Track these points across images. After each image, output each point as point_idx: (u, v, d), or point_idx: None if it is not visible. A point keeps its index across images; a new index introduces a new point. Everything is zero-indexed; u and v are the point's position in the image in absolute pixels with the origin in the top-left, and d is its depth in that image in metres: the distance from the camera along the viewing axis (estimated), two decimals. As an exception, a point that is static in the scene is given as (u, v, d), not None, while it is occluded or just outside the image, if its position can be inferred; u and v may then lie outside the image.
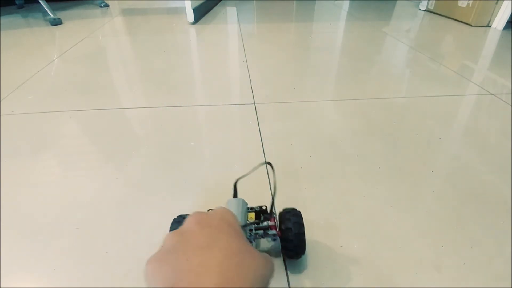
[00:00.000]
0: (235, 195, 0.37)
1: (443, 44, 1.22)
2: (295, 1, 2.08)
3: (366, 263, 0.38)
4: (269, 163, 0.36)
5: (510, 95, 0.79)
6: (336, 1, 2.10)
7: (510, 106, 0.74)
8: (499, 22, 1.38)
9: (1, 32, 1.38)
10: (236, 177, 0.37)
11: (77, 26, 1.48)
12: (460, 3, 1.49)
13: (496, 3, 1.37)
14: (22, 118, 0.70)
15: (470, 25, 1.44)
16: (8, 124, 0.68)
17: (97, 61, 1.05)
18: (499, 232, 0.42)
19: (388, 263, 0.38)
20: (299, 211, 0.37)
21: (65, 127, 0.67)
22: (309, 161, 0.55)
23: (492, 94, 0.80)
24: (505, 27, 1.37)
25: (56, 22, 1.48)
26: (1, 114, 0.72)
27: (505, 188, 0.49)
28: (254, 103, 0.75)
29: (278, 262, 0.38)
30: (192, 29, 1.41)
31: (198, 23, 1.51)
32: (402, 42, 1.24)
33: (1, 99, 0.78)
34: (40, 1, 1.52)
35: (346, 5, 1.99)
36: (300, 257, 0.37)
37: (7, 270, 0.37)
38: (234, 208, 0.33)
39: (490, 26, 1.42)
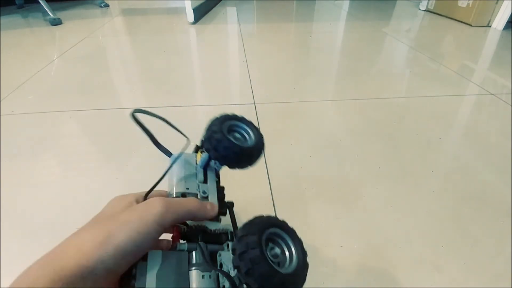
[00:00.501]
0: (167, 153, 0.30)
1: (443, 44, 1.22)
2: (295, 1, 2.08)
3: (366, 263, 0.38)
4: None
5: (510, 95, 0.79)
6: (336, 1, 2.10)
7: (510, 106, 0.74)
8: (499, 22, 1.38)
9: (1, 32, 1.38)
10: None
11: (77, 26, 1.48)
12: (460, 3, 1.48)
13: (496, 3, 1.37)
14: (22, 118, 0.70)
15: (470, 25, 1.44)
16: (8, 124, 0.68)
17: (97, 61, 1.05)
18: (499, 232, 0.42)
19: (388, 263, 0.38)
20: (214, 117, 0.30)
21: (65, 127, 0.67)
22: (309, 161, 0.55)
23: (492, 94, 0.80)
24: (505, 27, 1.37)
25: (56, 22, 1.48)
26: (1, 114, 0.72)
27: (505, 188, 0.49)
28: (254, 103, 0.75)
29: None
30: (192, 29, 1.41)
31: (198, 23, 1.51)
32: (402, 42, 1.24)
33: (1, 99, 0.78)
34: (40, 1, 1.52)
35: (346, 5, 1.99)
36: (250, 164, 0.29)
37: (7, 270, 0.37)
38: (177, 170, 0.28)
39: (490, 26, 1.42)
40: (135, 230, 0.19)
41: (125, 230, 0.19)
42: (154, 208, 0.20)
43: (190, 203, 0.23)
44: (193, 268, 0.20)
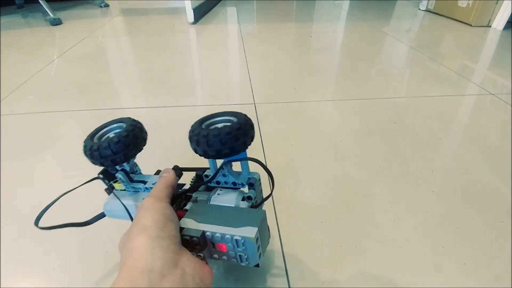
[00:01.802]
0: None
1: (443, 44, 1.22)
2: (295, 1, 2.08)
3: (366, 263, 0.38)
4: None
5: (510, 95, 0.79)
6: (336, 1, 2.10)
7: (510, 106, 0.74)
8: (499, 22, 1.38)
9: (1, 32, 1.38)
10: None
11: (77, 26, 1.48)
12: (460, 3, 1.49)
13: (496, 3, 1.37)
14: (22, 118, 0.70)
15: (470, 25, 1.44)
16: (8, 124, 0.68)
17: (97, 61, 1.05)
18: (499, 232, 0.42)
19: (388, 263, 0.38)
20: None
21: (65, 127, 0.67)
22: (309, 161, 0.55)
23: (492, 94, 0.80)
24: (505, 27, 1.37)
25: (56, 22, 1.48)
26: (1, 114, 0.72)
27: (505, 188, 0.49)
28: (254, 103, 0.75)
29: (278, 263, 0.38)
30: (192, 29, 1.41)
31: (198, 23, 1.51)
32: (402, 42, 1.24)
33: (1, 99, 0.78)
34: (40, 1, 1.52)
35: (346, 5, 1.99)
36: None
37: (7, 270, 0.37)
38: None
39: (490, 26, 1.42)
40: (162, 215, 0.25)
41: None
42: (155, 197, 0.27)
43: (163, 178, 0.31)
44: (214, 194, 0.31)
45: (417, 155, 0.57)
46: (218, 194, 0.31)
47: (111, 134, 0.34)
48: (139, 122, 0.35)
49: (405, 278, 0.36)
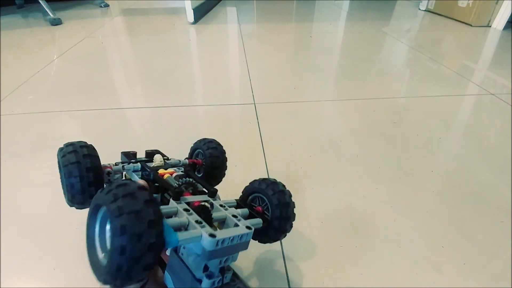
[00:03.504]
0: None
1: (443, 44, 1.22)
2: (295, 1, 2.08)
3: (366, 263, 0.38)
4: None
5: (510, 95, 0.79)
6: (336, 1, 2.10)
7: (510, 106, 0.74)
8: (499, 22, 1.38)
9: (1, 32, 1.38)
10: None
11: (77, 26, 1.48)
12: (460, 3, 1.48)
13: (496, 3, 1.37)
14: (22, 118, 0.70)
15: (470, 25, 1.44)
16: (8, 124, 0.68)
17: (97, 61, 1.05)
18: (499, 232, 0.42)
19: (388, 263, 0.38)
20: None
21: (65, 127, 0.67)
22: (309, 161, 0.55)
23: (492, 94, 0.80)
24: (505, 27, 1.37)
25: (56, 22, 1.48)
26: (1, 114, 0.72)
27: (505, 188, 0.49)
28: (254, 103, 0.75)
29: (279, 263, 0.38)
30: (192, 29, 1.41)
31: (198, 23, 1.51)
32: (402, 42, 1.24)
33: (1, 99, 0.78)
34: (40, 1, 1.52)
35: (346, 5, 1.99)
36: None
37: (7, 270, 0.37)
38: None
39: (490, 26, 1.42)
40: None
41: None
42: None
43: None
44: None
45: (417, 155, 0.57)
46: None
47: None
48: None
49: (405, 278, 0.36)
